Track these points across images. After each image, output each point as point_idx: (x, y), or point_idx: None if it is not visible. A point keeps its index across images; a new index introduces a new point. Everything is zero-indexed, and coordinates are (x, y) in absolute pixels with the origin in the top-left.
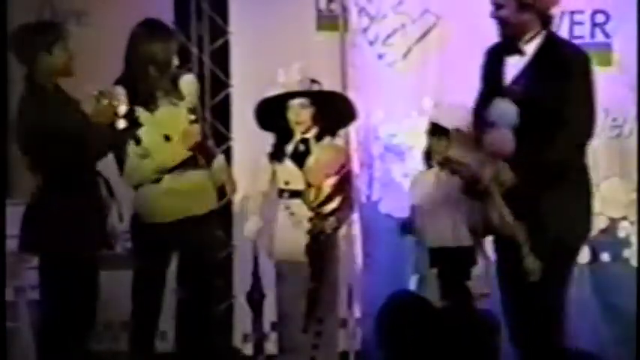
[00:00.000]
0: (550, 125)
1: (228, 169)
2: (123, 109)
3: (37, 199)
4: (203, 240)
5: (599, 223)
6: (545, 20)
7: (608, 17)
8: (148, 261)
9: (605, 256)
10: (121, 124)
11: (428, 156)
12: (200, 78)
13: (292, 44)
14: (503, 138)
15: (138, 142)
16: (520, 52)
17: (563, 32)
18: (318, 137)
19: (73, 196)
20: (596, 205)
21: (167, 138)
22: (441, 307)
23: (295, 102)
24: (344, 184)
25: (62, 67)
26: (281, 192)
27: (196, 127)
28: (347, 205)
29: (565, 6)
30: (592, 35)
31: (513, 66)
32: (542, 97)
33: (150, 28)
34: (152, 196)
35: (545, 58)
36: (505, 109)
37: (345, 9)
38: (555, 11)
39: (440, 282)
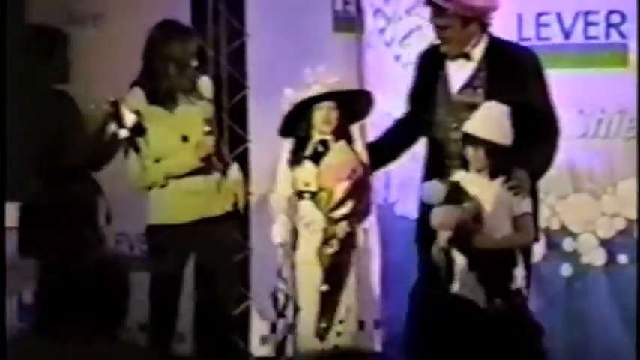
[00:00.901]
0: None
1: (242, 180)
2: (130, 118)
3: (33, 201)
4: (219, 242)
5: (616, 225)
6: (486, 25)
7: (623, 18)
8: (165, 263)
9: (622, 258)
10: (123, 133)
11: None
12: (217, 80)
13: (309, 46)
14: (446, 214)
15: (137, 150)
16: (466, 57)
17: (577, 33)
18: (337, 138)
19: (67, 198)
20: (613, 206)
21: (185, 139)
22: (487, 308)
23: (325, 104)
24: (357, 189)
25: (59, 73)
26: (300, 194)
27: (211, 140)
28: (360, 211)
29: (579, 6)
30: (607, 36)
31: (458, 70)
32: (500, 99)
33: (168, 27)
34: (167, 197)
35: (495, 60)
36: (432, 188)
37: (361, 10)
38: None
39: (482, 284)
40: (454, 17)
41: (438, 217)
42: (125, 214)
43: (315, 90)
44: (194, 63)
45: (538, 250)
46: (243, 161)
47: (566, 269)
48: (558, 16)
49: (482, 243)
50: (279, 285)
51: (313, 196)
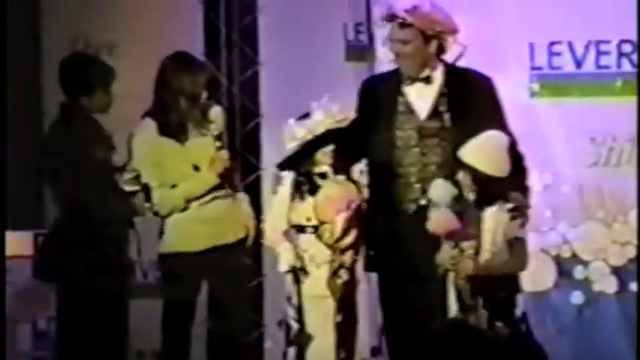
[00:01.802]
0: None
1: (252, 213)
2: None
3: (56, 227)
4: (233, 269)
5: (627, 252)
6: (443, 49)
7: (635, 47)
8: (178, 290)
9: (633, 286)
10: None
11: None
12: (230, 108)
13: (321, 74)
14: (445, 218)
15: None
16: (426, 80)
17: (589, 62)
18: (335, 170)
19: (93, 226)
20: (625, 234)
21: (196, 168)
22: (491, 334)
23: (330, 147)
24: (357, 217)
25: (99, 107)
26: (302, 228)
27: (224, 153)
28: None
29: (591, 35)
30: (618, 65)
31: (420, 96)
32: (464, 124)
33: (180, 60)
34: (181, 224)
35: (455, 85)
36: (444, 189)
37: (372, 39)
38: (458, 43)
39: (486, 310)
40: (416, 32)
41: (436, 220)
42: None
43: (322, 125)
44: (205, 95)
45: (549, 277)
46: (255, 189)
47: (577, 297)
48: (570, 45)
49: (477, 269)
50: (289, 312)
51: (315, 229)
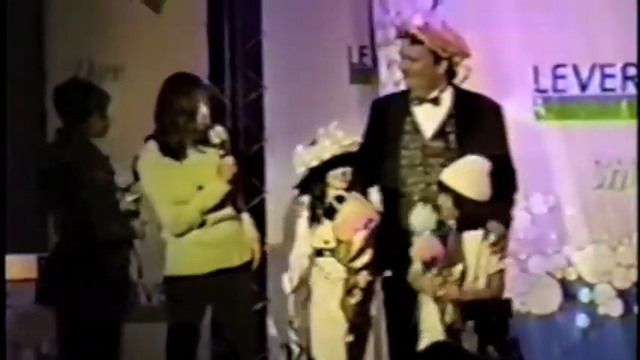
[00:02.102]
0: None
1: (257, 236)
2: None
3: (57, 251)
4: (238, 292)
5: (632, 275)
6: (452, 75)
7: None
8: (183, 313)
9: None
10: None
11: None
12: (234, 131)
13: (326, 97)
14: (428, 244)
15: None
16: (434, 102)
17: (594, 85)
18: (350, 190)
19: (93, 249)
20: (630, 257)
21: (200, 189)
22: (480, 357)
23: (339, 170)
24: (374, 236)
25: (96, 132)
26: (319, 252)
27: (230, 159)
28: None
29: (596, 59)
30: (623, 88)
31: (428, 116)
32: (470, 146)
33: (177, 80)
34: (187, 247)
35: (463, 108)
36: (425, 215)
37: (376, 63)
38: (462, 66)
39: (477, 334)
40: (426, 50)
41: (419, 246)
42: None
43: (329, 151)
44: (205, 112)
45: (555, 300)
46: (259, 212)
47: (582, 320)
48: (575, 68)
49: (462, 294)
50: (292, 336)
51: (332, 252)
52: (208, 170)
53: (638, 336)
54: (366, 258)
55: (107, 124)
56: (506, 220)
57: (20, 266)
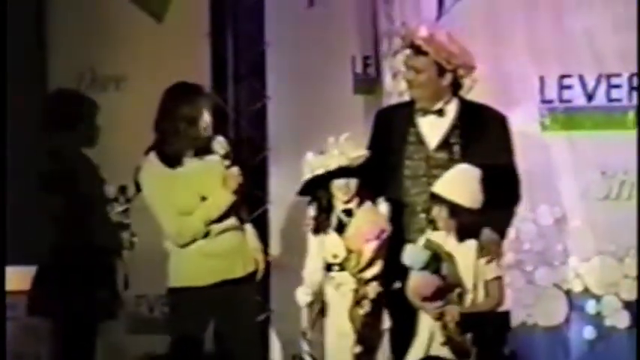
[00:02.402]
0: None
1: (260, 247)
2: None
3: (48, 262)
4: (241, 303)
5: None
6: (458, 85)
7: None
8: (186, 325)
9: None
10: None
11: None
12: (237, 141)
13: (329, 107)
14: (425, 282)
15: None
16: (439, 113)
17: (600, 95)
18: (360, 201)
19: (83, 260)
20: (636, 267)
21: (203, 199)
22: None
23: (342, 181)
24: (385, 247)
25: (85, 141)
26: (329, 266)
27: (235, 170)
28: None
29: (602, 69)
30: (629, 98)
31: (432, 127)
32: (474, 157)
33: (178, 88)
34: (190, 258)
35: (468, 119)
36: (416, 253)
37: (380, 72)
38: (468, 79)
39: (475, 348)
40: (431, 62)
41: (415, 285)
42: (144, 276)
43: (336, 162)
44: (207, 120)
45: (561, 312)
46: (262, 223)
47: (589, 332)
48: (581, 78)
49: (454, 315)
50: (305, 347)
51: (341, 264)
52: (211, 180)
53: (638, 343)
54: (375, 269)
55: (96, 133)
56: (501, 229)
57: (19, 278)
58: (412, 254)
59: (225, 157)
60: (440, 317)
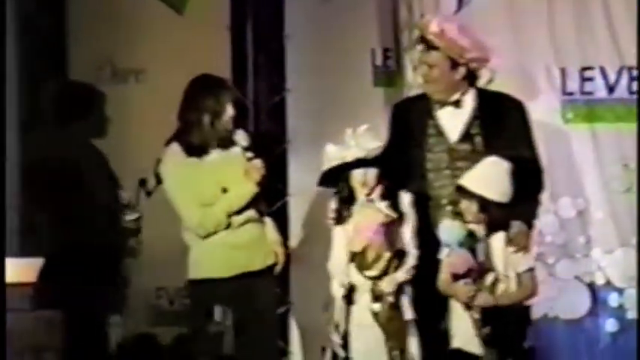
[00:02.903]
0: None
1: (280, 239)
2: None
3: (54, 254)
4: (260, 296)
5: None
6: (474, 77)
7: None
8: (206, 317)
9: None
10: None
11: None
12: (256, 134)
13: (349, 100)
14: (462, 258)
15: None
16: (456, 104)
17: (621, 87)
18: (384, 196)
19: (91, 253)
20: None
21: (224, 190)
22: None
23: (359, 172)
24: (390, 240)
25: (95, 133)
26: (353, 256)
27: (258, 162)
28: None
29: (623, 61)
30: None
31: (451, 119)
32: (496, 147)
33: (202, 80)
34: (210, 250)
35: (487, 108)
36: (453, 229)
37: (400, 65)
38: (484, 69)
39: (494, 342)
40: (443, 56)
41: (452, 261)
42: (164, 268)
43: (353, 153)
44: (230, 114)
45: (583, 305)
46: (282, 215)
47: (612, 325)
48: (602, 70)
49: (494, 301)
50: (336, 339)
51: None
52: (233, 172)
53: (639, 342)
54: (382, 264)
55: (105, 124)
56: (529, 219)
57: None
58: (449, 230)
59: (247, 149)
60: (470, 304)
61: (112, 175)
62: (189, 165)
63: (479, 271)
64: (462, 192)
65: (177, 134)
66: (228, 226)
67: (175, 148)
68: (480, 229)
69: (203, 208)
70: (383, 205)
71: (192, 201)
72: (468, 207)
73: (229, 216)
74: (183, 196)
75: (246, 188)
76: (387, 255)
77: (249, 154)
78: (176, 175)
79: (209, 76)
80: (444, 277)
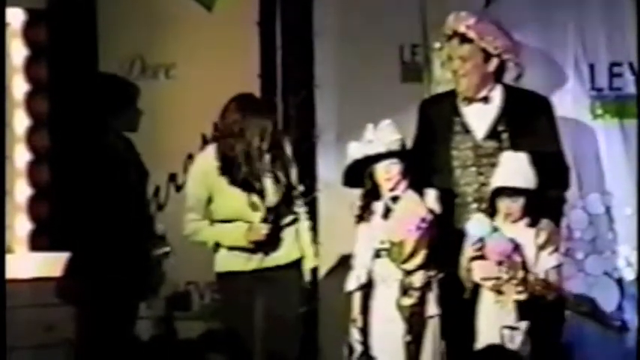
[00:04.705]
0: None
1: (311, 240)
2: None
3: (82, 248)
4: (285, 291)
5: None
6: (502, 71)
7: None
8: (235, 310)
9: None
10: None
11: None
12: (285, 129)
13: (377, 96)
14: (502, 242)
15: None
16: (484, 100)
17: None
18: (407, 190)
19: (119, 247)
20: None
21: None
22: None
23: (383, 163)
24: (428, 238)
25: (127, 126)
26: (378, 252)
27: (264, 227)
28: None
29: None
30: None
31: (477, 116)
32: (523, 143)
33: (246, 103)
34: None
35: (514, 105)
36: (480, 223)
37: (428, 61)
38: (513, 63)
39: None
40: (476, 49)
41: (492, 246)
42: (194, 262)
43: (374, 148)
44: (267, 142)
45: (612, 300)
46: (311, 210)
47: None
48: (631, 65)
49: (524, 293)
50: (355, 335)
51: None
52: (240, 212)
53: (639, 342)
54: (419, 259)
55: (137, 117)
56: (556, 217)
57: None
58: (477, 224)
59: (268, 210)
60: (502, 297)
61: (142, 169)
62: (216, 180)
63: (512, 262)
64: (500, 194)
65: (215, 138)
66: (215, 250)
67: (211, 153)
68: (513, 227)
69: (202, 223)
70: (432, 198)
71: (199, 211)
72: (510, 205)
73: (216, 245)
74: (195, 202)
75: (239, 239)
76: (425, 251)
77: (262, 215)
78: (201, 183)
79: (255, 101)
80: (475, 263)
